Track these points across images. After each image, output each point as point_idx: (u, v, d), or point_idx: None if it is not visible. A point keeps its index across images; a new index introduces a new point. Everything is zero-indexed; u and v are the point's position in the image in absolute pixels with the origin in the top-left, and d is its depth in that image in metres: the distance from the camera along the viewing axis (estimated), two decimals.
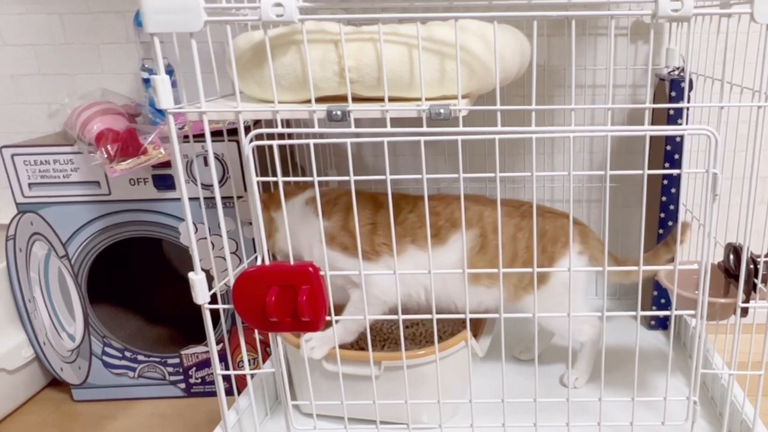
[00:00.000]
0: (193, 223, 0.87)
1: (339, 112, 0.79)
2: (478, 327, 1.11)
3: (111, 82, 1.51)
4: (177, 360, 1.42)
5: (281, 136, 0.81)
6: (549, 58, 1.40)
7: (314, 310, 0.84)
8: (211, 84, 0.88)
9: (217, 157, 1.22)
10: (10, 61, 1.53)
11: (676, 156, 1.26)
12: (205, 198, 0.97)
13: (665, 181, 1.28)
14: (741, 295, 0.88)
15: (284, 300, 0.84)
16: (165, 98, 0.77)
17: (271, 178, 0.86)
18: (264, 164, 0.94)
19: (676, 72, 1.25)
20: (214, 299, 0.90)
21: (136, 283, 1.62)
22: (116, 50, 1.51)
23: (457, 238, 0.98)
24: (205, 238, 1.02)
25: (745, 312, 0.89)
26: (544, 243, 1.00)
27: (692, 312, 0.88)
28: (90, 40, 1.51)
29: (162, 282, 1.62)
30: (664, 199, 1.29)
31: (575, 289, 0.97)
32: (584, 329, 1.09)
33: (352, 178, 0.83)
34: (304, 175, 1.45)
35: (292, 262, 0.84)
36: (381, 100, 0.80)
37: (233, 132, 1.18)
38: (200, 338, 1.39)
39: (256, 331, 1.28)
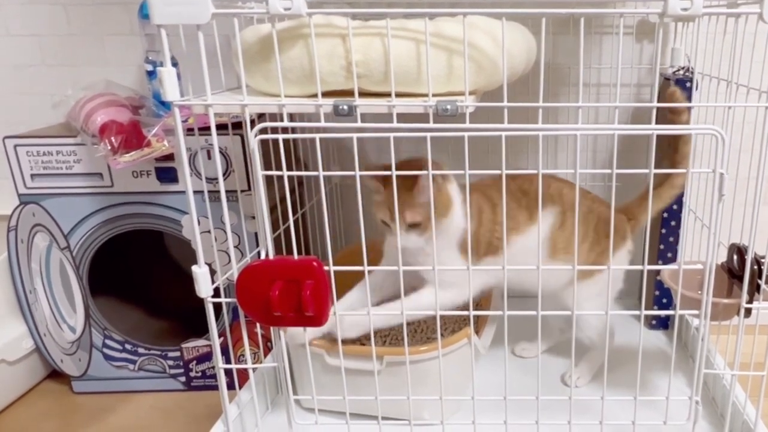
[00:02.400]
0: (197, 217, 0.87)
1: (345, 107, 0.78)
2: (480, 324, 1.11)
3: (114, 73, 1.50)
4: (177, 353, 1.42)
5: (285, 130, 0.81)
6: (554, 56, 1.40)
7: (318, 305, 0.84)
8: (217, 77, 0.88)
9: (220, 151, 1.22)
10: (14, 51, 1.53)
11: None
12: (208, 191, 0.97)
13: None
14: (745, 296, 0.88)
15: (288, 294, 0.83)
16: (171, 90, 0.77)
17: (275, 172, 0.85)
18: (267, 158, 0.93)
19: (681, 71, 1.25)
20: (216, 293, 0.90)
21: (137, 275, 1.62)
22: (120, 42, 1.51)
23: (544, 215, 1.01)
24: (208, 232, 1.01)
25: (748, 312, 0.88)
26: (607, 230, 0.99)
27: (696, 312, 0.88)
28: (94, 32, 1.51)
29: (163, 275, 1.62)
30: None
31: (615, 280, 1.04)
32: (598, 326, 1.09)
33: (358, 173, 0.83)
34: (305, 169, 1.45)
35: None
36: (387, 95, 0.80)
37: (237, 126, 1.18)
38: (201, 332, 1.39)
39: (257, 325, 1.28)
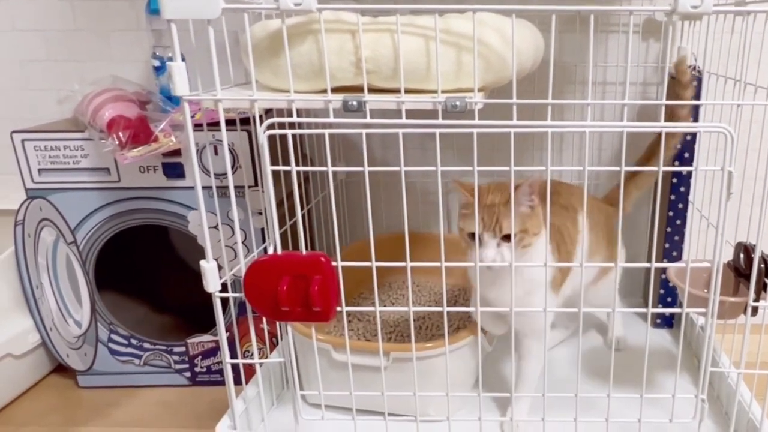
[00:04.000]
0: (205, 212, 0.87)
1: (355, 103, 0.79)
2: None
3: (121, 69, 1.51)
4: (183, 348, 1.43)
5: (294, 125, 0.81)
6: (560, 54, 1.40)
7: (326, 300, 0.84)
8: (225, 73, 0.88)
9: (228, 146, 1.22)
10: (21, 46, 1.53)
11: (687, 154, 1.26)
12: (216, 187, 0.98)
13: (674, 179, 1.28)
14: (752, 294, 0.88)
15: (296, 289, 0.84)
16: (181, 85, 0.77)
17: (283, 167, 0.86)
18: (274, 153, 0.94)
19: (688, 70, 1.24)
20: (223, 288, 0.90)
21: (143, 270, 1.62)
22: (127, 37, 1.51)
23: (580, 219, 1.04)
24: (216, 227, 1.02)
25: (755, 311, 0.89)
26: (609, 239, 1.10)
27: (702, 310, 0.88)
28: (100, 27, 1.51)
29: (169, 270, 1.62)
30: (673, 197, 1.29)
31: None
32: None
33: (366, 169, 0.83)
34: (312, 165, 1.45)
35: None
36: (396, 91, 0.80)
37: (244, 121, 1.18)
38: (206, 327, 1.40)
39: (264, 320, 1.28)
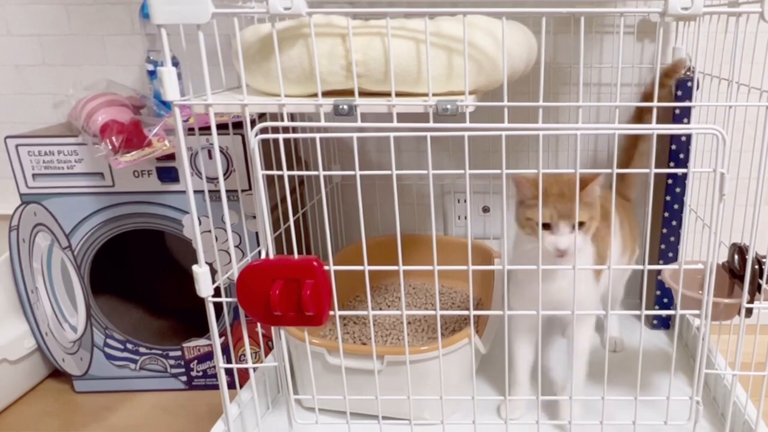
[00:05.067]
0: (197, 216, 0.87)
1: (346, 107, 0.78)
2: (480, 324, 1.11)
3: (116, 73, 1.51)
4: (179, 352, 1.42)
5: (286, 129, 0.81)
6: (555, 55, 1.40)
7: (318, 305, 0.84)
8: (217, 77, 0.88)
9: (221, 150, 1.22)
10: (15, 51, 1.53)
11: (681, 155, 1.26)
12: (209, 191, 0.97)
13: (669, 181, 1.28)
14: (746, 296, 0.88)
15: (288, 294, 0.83)
16: (171, 90, 0.77)
17: (276, 172, 0.85)
18: (268, 157, 0.94)
19: (683, 71, 1.24)
20: (217, 292, 0.90)
21: (138, 275, 1.62)
22: (121, 41, 1.51)
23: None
24: (209, 231, 1.01)
25: (749, 312, 0.88)
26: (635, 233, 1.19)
27: (697, 312, 0.88)
28: (95, 31, 1.51)
29: (164, 274, 1.62)
30: (668, 198, 1.29)
31: None
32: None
33: (358, 172, 0.83)
34: (307, 168, 1.45)
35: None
36: (387, 94, 0.80)
37: (238, 125, 1.18)
38: (202, 331, 1.39)
39: (258, 324, 1.28)
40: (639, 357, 0.92)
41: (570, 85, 1.41)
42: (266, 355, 1.25)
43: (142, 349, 1.43)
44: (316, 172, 0.83)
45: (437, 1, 1.06)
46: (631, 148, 1.21)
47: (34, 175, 1.29)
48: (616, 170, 0.81)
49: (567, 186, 0.89)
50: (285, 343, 0.95)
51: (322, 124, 0.80)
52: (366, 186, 0.83)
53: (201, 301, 0.90)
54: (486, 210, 1.51)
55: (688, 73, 1.23)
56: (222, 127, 1.04)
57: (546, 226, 0.89)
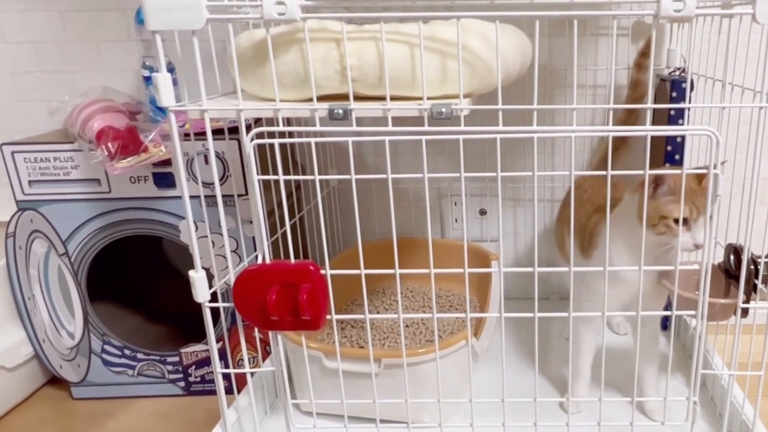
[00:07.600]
0: (194, 222, 0.87)
1: (341, 111, 0.79)
2: (477, 326, 1.11)
3: (111, 79, 1.51)
4: (176, 358, 1.42)
5: (282, 134, 0.81)
6: (550, 58, 1.40)
7: (315, 309, 0.84)
8: (212, 82, 0.88)
9: (217, 156, 1.22)
10: (11, 58, 1.53)
11: (677, 156, 1.26)
12: (205, 196, 0.97)
13: None
14: (741, 296, 0.88)
15: (285, 298, 0.83)
16: (166, 96, 0.77)
17: (272, 177, 0.86)
18: (264, 162, 0.94)
19: (677, 72, 1.25)
20: (214, 297, 0.90)
21: (135, 281, 1.62)
22: (117, 48, 1.51)
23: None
24: (206, 237, 1.01)
25: (745, 313, 0.89)
26: None
27: (693, 312, 0.88)
28: (91, 38, 1.51)
29: (162, 280, 1.62)
30: None
31: None
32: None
33: (353, 176, 0.83)
34: (304, 173, 1.45)
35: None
36: (382, 98, 0.80)
37: (234, 130, 1.18)
38: (200, 336, 1.39)
39: (256, 329, 1.28)
40: (636, 358, 0.92)
41: (565, 87, 1.42)
42: (264, 360, 1.25)
43: (139, 355, 1.43)
44: (311, 177, 0.83)
45: (431, 5, 1.07)
46: (619, 140, 1.24)
47: (30, 182, 1.29)
48: (612, 172, 0.81)
49: (693, 181, 0.89)
50: (282, 347, 0.95)
51: (318, 128, 0.80)
52: (362, 190, 0.83)
53: (198, 307, 0.90)
54: (483, 212, 1.52)
55: (683, 74, 1.23)
56: (218, 132, 1.05)
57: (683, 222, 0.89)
